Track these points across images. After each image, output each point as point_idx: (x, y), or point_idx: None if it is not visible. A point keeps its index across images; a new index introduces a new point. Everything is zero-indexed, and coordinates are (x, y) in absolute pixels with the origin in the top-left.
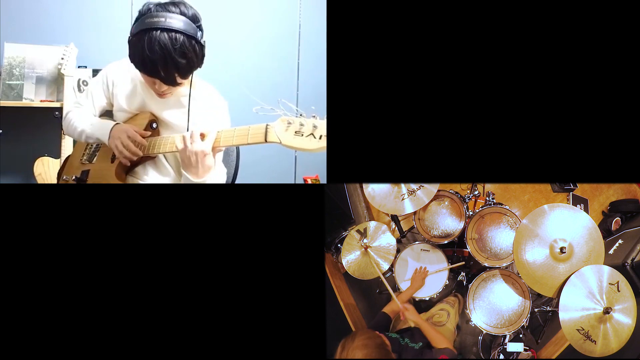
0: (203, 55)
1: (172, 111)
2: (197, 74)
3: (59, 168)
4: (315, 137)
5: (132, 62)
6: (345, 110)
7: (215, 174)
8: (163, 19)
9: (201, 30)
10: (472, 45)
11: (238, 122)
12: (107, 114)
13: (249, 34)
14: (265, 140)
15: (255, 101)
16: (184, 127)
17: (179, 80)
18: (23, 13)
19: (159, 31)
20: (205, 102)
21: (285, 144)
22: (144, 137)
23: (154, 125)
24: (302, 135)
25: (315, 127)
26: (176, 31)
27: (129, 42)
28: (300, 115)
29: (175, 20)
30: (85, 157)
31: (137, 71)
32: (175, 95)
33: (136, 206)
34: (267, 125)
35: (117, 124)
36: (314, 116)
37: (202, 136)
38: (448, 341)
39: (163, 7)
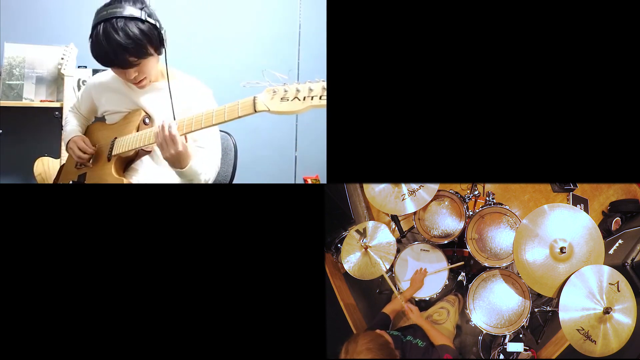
0: (157, 33)
1: (159, 103)
2: (181, 68)
3: (57, 171)
4: (299, 100)
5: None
6: (345, 110)
7: (200, 159)
8: (104, 13)
9: (146, 11)
10: (472, 45)
11: None
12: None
13: (248, 34)
14: (255, 110)
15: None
16: (171, 118)
17: (134, 60)
18: (23, 13)
19: (100, 25)
20: (190, 92)
21: (273, 110)
22: (90, 149)
23: (147, 120)
24: (288, 100)
25: (298, 90)
26: (114, 18)
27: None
28: (284, 83)
29: (113, 10)
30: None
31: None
32: (157, 88)
33: (136, 206)
34: (254, 97)
35: (76, 135)
36: (297, 82)
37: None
38: (448, 339)
39: (103, 7)
